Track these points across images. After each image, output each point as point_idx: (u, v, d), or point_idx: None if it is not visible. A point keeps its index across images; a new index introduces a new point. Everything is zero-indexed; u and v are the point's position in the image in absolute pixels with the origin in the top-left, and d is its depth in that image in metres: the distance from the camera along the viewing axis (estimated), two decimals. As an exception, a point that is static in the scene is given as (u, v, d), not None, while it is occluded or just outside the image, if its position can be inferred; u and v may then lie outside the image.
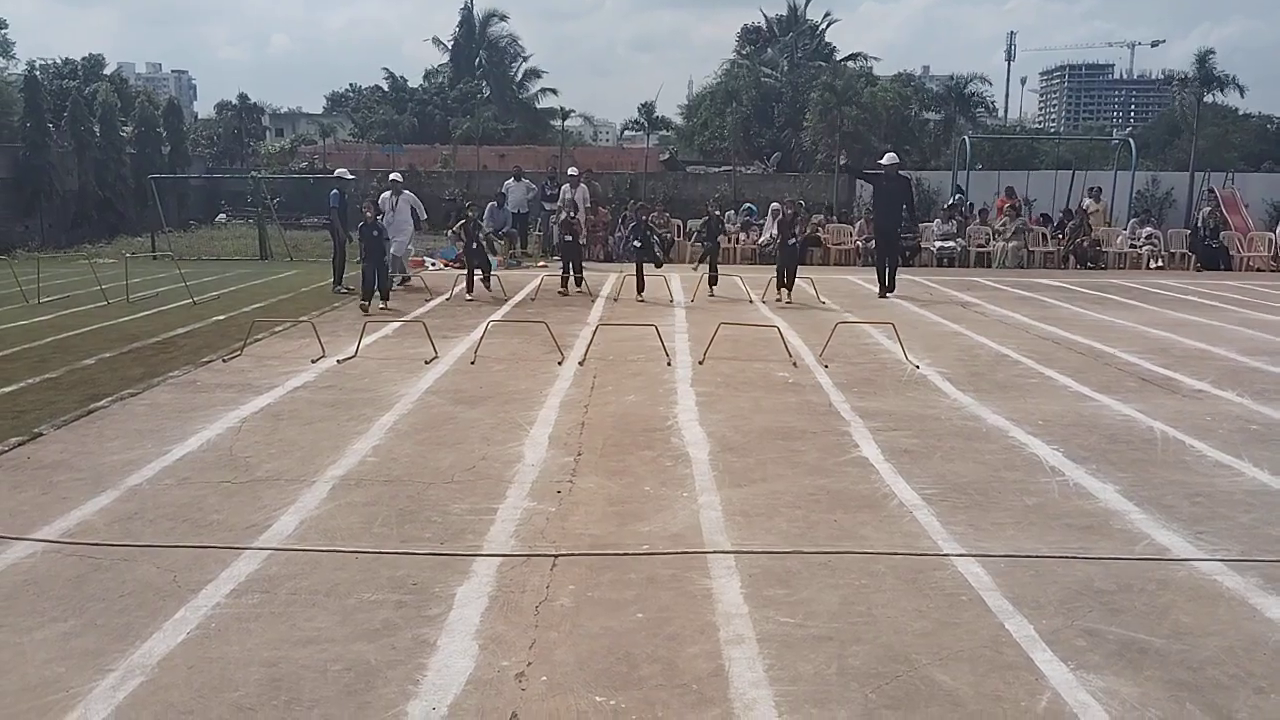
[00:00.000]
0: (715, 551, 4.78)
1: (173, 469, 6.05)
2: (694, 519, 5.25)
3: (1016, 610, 4.14)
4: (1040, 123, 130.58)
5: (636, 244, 14.28)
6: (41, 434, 6.80)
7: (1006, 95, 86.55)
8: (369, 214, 12.85)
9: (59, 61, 43.08)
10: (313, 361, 9.37)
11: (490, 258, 18.97)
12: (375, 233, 12.74)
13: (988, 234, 21.34)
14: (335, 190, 15.27)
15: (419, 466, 6.13)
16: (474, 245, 14.08)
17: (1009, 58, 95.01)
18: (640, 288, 13.96)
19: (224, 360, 9.45)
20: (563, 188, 19.63)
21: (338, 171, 16.34)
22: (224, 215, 31.11)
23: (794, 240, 14.08)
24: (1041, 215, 22.77)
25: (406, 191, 15.56)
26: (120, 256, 18.87)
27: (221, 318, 12.17)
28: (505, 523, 5.16)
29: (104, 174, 30.26)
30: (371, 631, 3.94)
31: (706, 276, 14.74)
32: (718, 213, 15.73)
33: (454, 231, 14.64)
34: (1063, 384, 8.66)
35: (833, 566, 4.61)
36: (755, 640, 3.88)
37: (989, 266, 20.57)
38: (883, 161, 14.76)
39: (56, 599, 4.25)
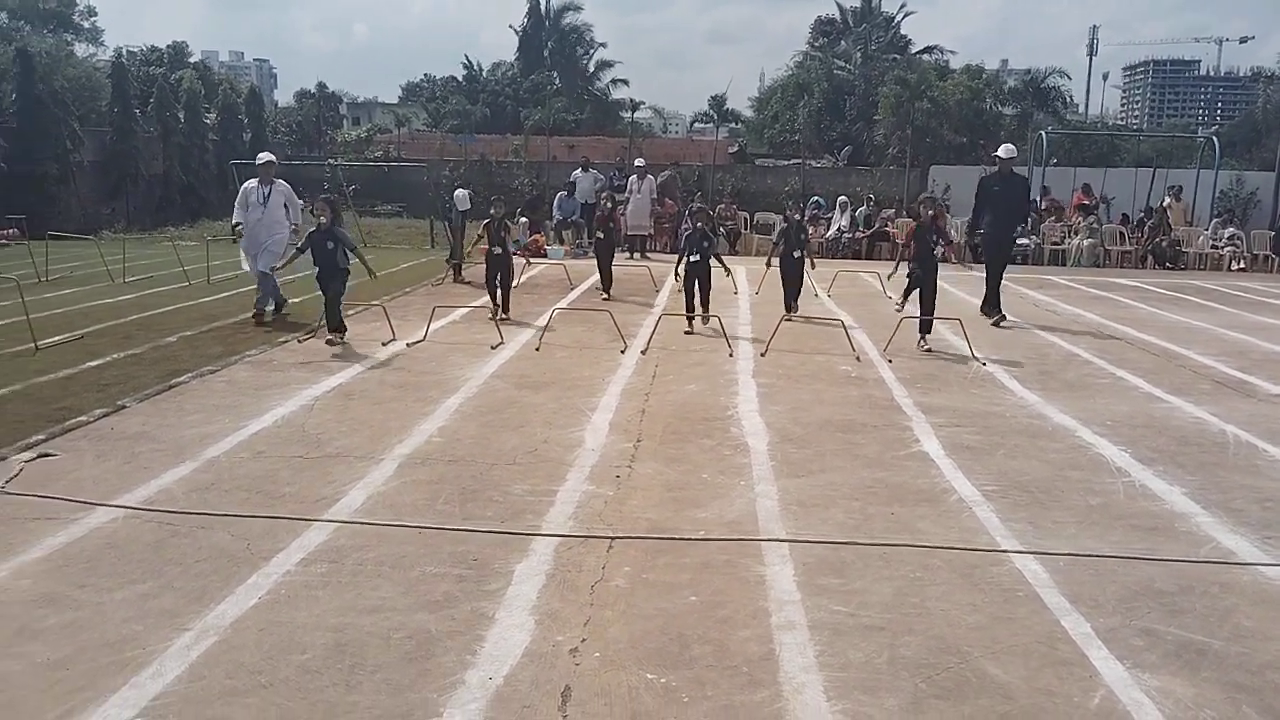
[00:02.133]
0: (770, 539, 4.82)
1: (248, 443, 6.27)
2: (750, 507, 5.29)
3: (1074, 608, 4.12)
4: (1122, 119, 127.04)
5: (692, 257, 10.50)
6: (125, 406, 7.10)
7: (1088, 91, 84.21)
8: (322, 217, 9.32)
9: (145, 49, 44.47)
10: (383, 344, 9.59)
11: (558, 247, 19.17)
12: (330, 244, 9.33)
13: (1063, 232, 20.89)
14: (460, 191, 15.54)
15: (482, 447, 6.26)
16: (497, 250, 11.23)
17: (1091, 52, 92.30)
18: (689, 307, 10.67)
19: (299, 341, 9.73)
20: (630, 179, 19.72)
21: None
22: (301, 201, 31.81)
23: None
24: (1123, 215, 22.21)
25: (281, 181, 11.33)
26: (202, 239, 19.46)
27: (296, 300, 12.50)
28: (564, 504, 5.26)
29: (187, 159, 31.22)
30: (432, 603, 4.07)
31: (785, 297, 11.59)
32: (799, 216, 12.26)
33: (479, 234, 11.62)
34: (1134, 385, 8.49)
35: (888, 558, 4.62)
36: (807, 627, 3.92)
37: (1063, 265, 20.16)
38: (999, 154, 11.98)
39: (136, 562, 4.46)
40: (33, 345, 9.11)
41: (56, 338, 9.62)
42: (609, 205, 13.75)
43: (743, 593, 4.24)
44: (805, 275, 11.84)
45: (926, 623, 3.97)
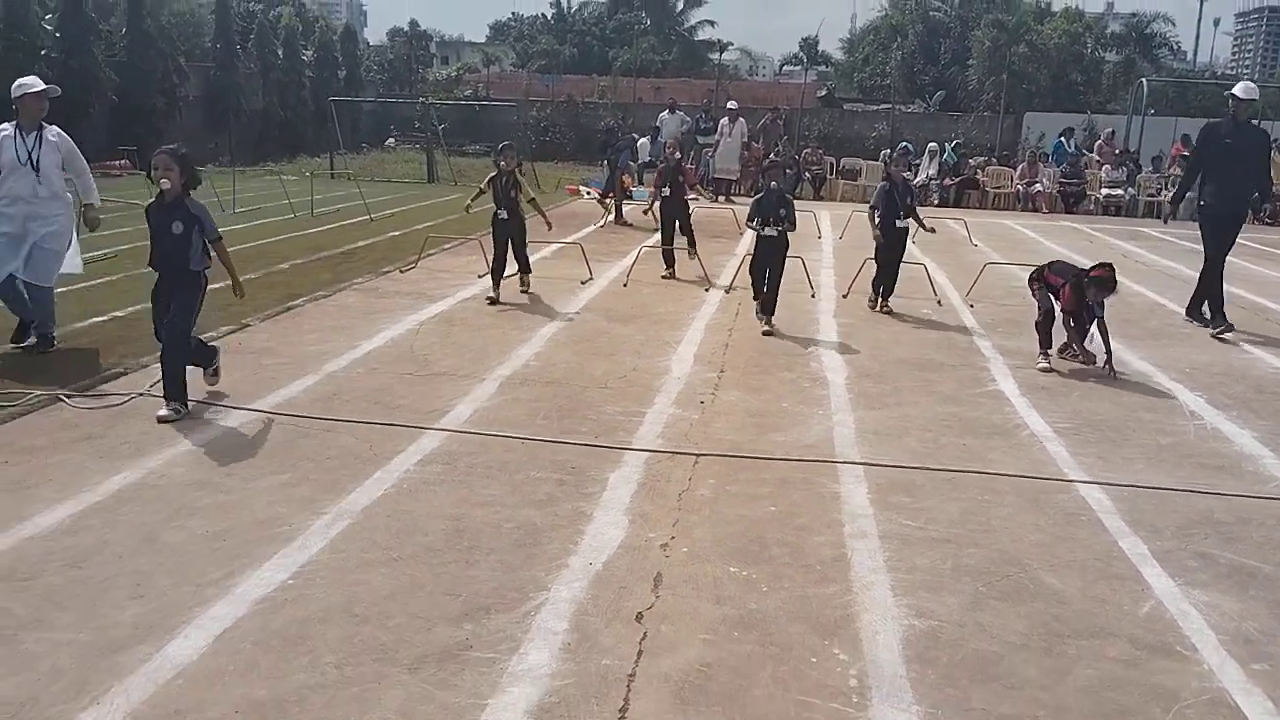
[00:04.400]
0: (846, 461, 5.16)
1: (362, 360, 6.80)
2: (828, 434, 5.63)
3: (1133, 531, 4.39)
4: (1233, 69, 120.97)
5: (766, 230, 8.04)
6: (249, 324, 7.70)
7: (1196, 38, 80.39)
8: (164, 181, 5.62)
9: (245, -15, 45.43)
10: (479, 276, 10.06)
11: (643, 189, 19.43)
12: (178, 226, 5.61)
13: (1160, 183, 20.41)
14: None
15: (576, 372, 6.69)
16: (503, 214, 8.95)
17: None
18: (757, 294, 8.26)
19: (401, 271, 10.27)
20: (720, 121, 19.80)
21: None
22: (393, 140, 32.54)
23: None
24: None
25: (55, 129, 6.86)
26: (301, 174, 20.21)
27: (396, 234, 13.08)
28: (653, 424, 5.66)
29: (286, 96, 32.08)
30: (537, 501, 4.51)
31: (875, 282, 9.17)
32: (905, 173, 9.46)
33: (480, 188, 9.14)
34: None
35: (956, 482, 4.93)
36: (877, 536, 4.27)
37: (1158, 217, 19.71)
38: (1235, 92, 8.81)
39: (273, 457, 5.00)
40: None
41: (179, 262, 10.31)
42: (675, 155, 11.22)
43: (818, 506, 4.60)
44: (932, 285, 9.60)
45: (990, 538, 4.29)
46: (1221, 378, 7.09)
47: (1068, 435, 5.70)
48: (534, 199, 9.30)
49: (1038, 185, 20.24)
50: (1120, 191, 20.02)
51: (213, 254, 5.83)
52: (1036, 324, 7.42)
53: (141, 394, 5.87)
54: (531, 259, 10.47)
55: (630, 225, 14.63)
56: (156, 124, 27.28)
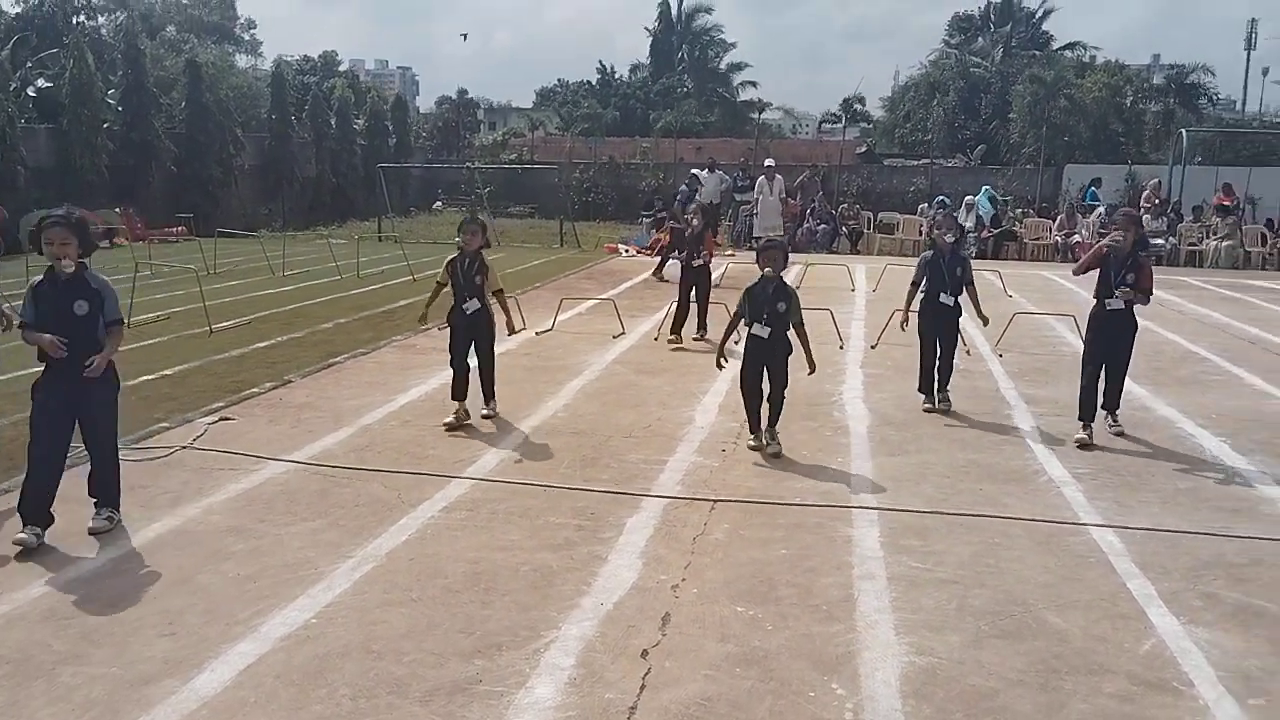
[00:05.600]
0: (860, 506, 5.25)
1: (396, 413, 7.04)
2: (846, 480, 5.72)
3: (1141, 573, 4.42)
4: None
5: (757, 330, 6.21)
6: (291, 381, 8.00)
7: (1245, 86, 79.68)
8: (64, 259, 4.54)
9: (299, 58, 47.22)
10: (514, 333, 10.31)
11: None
12: (81, 305, 4.61)
13: (1200, 232, 20.26)
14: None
15: (602, 422, 6.87)
16: (468, 307, 6.90)
17: (1249, 46, 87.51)
18: (752, 419, 6.35)
19: (439, 328, 10.51)
20: (759, 180, 20.03)
21: None
22: (440, 203, 33.37)
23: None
24: (1268, 220, 21.36)
25: None
26: (350, 237, 20.84)
27: (436, 293, 13.42)
28: (673, 472, 5.80)
29: (338, 163, 33.14)
30: (554, 545, 4.67)
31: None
32: (950, 238, 7.34)
33: (438, 280, 7.12)
34: (1249, 382, 8.48)
35: (969, 526, 4.99)
36: (885, 578, 4.35)
37: (1200, 266, 19.57)
38: None
39: (306, 504, 5.21)
40: (207, 329, 10.20)
41: (228, 322, 10.73)
42: (697, 225, 10.11)
43: (830, 549, 4.69)
44: (960, 335, 7.63)
45: (998, 579, 4.35)
46: (1248, 423, 7.06)
47: (1085, 480, 5.73)
48: (500, 290, 7.06)
49: (1076, 236, 20.20)
50: (1160, 241, 19.88)
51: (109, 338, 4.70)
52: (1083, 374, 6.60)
53: (185, 447, 6.14)
54: (565, 316, 10.66)
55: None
56: (213, 191, 28.33)
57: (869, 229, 22.44)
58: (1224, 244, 19.54)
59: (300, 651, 3.63)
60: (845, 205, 23.37)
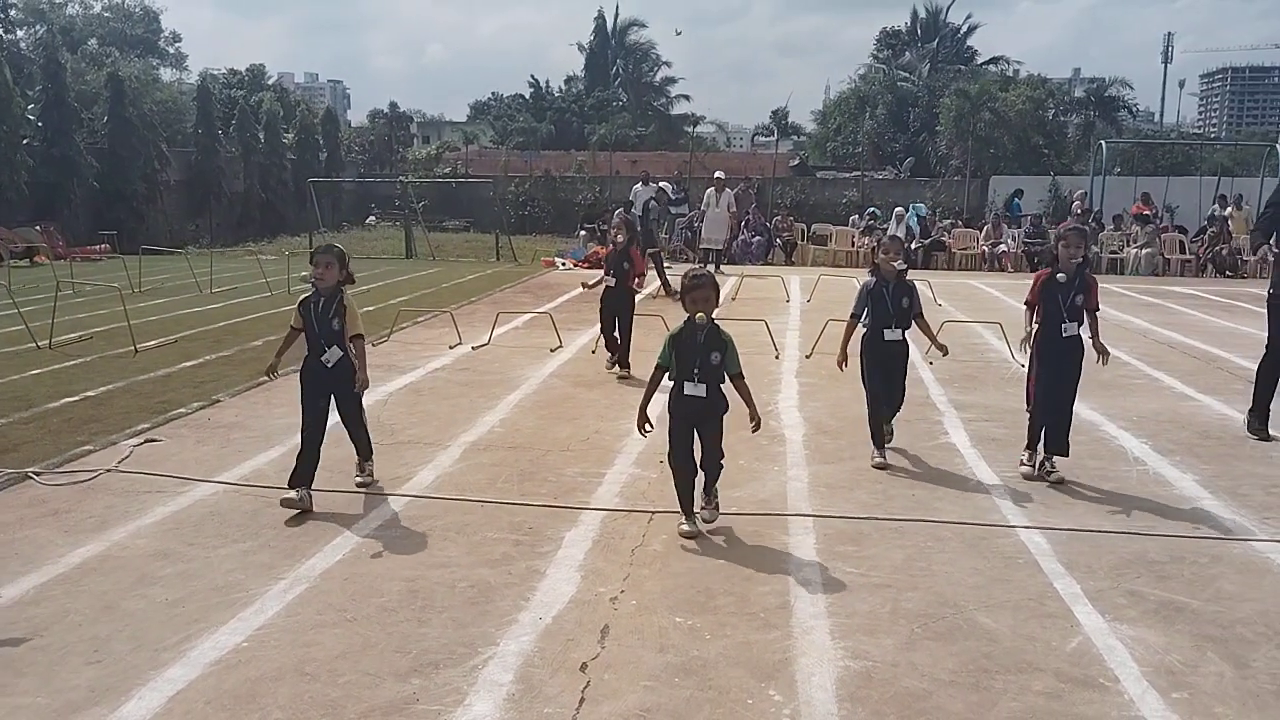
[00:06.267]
0: (796, 514, 5.31)
1: (329, 431, 6.90)
2: (781, 489, 5.78)
3: (1068, 572, 4.53)
4: (1200, 127, 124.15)
5: (689, 387, 5.08)
6: (219, 400, 7.84)
7: (1163, 99, 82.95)
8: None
9: (226, 72, 46.41)
10: (450, 348, 10.26)
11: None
12: None
13: (1121, 241, 20.92)
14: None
15: (539, 436, 6.85)
16: (325, 358, 5.53)
17: (1165, 60, 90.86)
18: (684, 501, 5.10)
19: (372, 344, 10.43)
20: (707, 192, 19.98)
21: None
22: (373, 217, 33.02)
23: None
24: (1178, 226, 22.15)
25: None
26: (281, 253, 20.49)
27: (371, 309, 13.26)
28: (611, 484, 5.81)
29: (267, 178, 32.64)
30: (492, 561, 4.64)
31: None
32: (899, 264, 6.48)
33: (292, 325, 5.61)
34: (1168, 385, 8.76)
35: (902, 531, 5.08)
36: (821, 584, 4.40)
37: (1121, 273, 20.19)
38: None
39: (236, 526, 5.11)
40: (132, 348, 9.95)
41: (153, 341, 10.47)
42: (620, 240, 9.23)
43: (766, 557, 4.73)
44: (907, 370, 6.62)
45: (930, 582, 4.43)
46: (1168, 425, 7.30)
47: (1013, 484, 5.87)
48: (360, 335, 5.59)
49: (1002, 246, 20.72)
50: (1084, 249, 20.47)
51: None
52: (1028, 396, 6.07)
53: (109, 470, 5.98)
54: (502, 330, 10.61)
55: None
56: (138, 207, 27.68)
57: (803, 240, 22.74)
58: (1144, 251, 20.19)
59: (231, 676, 3.55)
60: (779, 217, 23.66)
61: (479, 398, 8.02)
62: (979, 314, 13.07)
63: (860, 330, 6.39)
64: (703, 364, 4.99)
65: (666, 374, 5.08)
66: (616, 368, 9.03)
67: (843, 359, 6.40)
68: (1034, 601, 4.23)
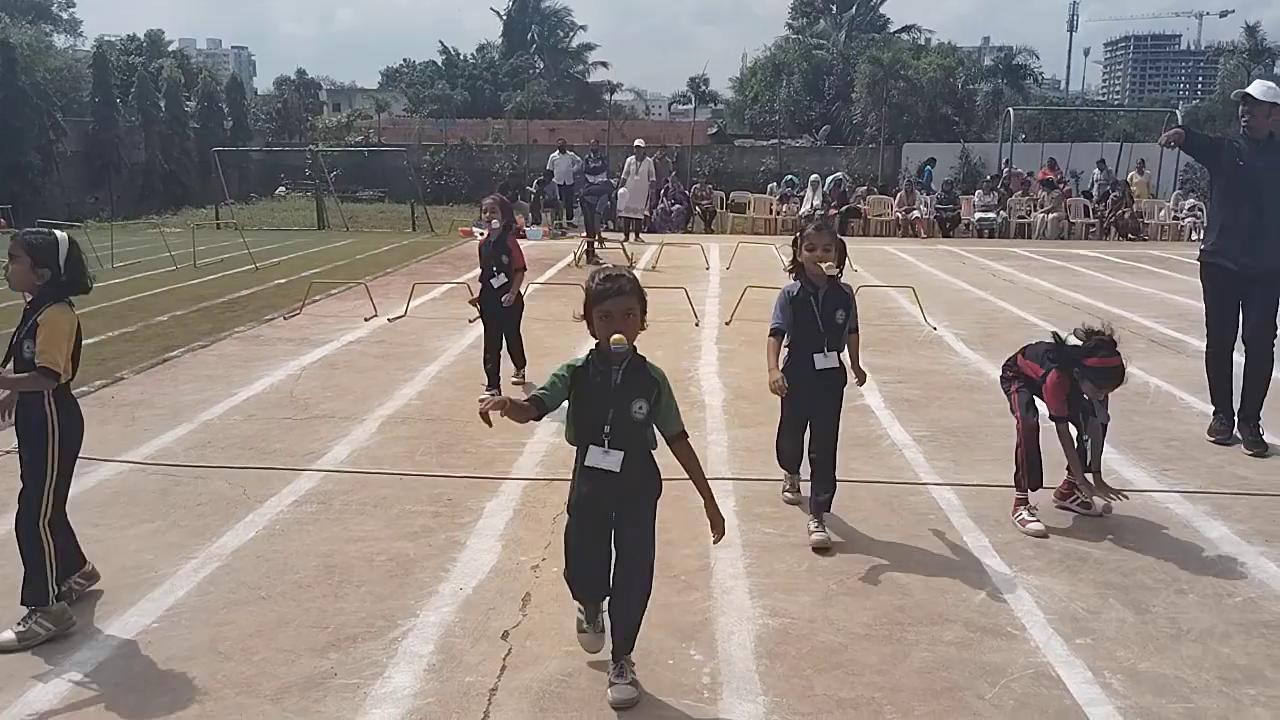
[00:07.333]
0: (716, 477, 5.34)
1: (240, 407, 6.77)
2: (702, 453, 5.78)
3: (977, 526, 4.68)
4: (1104, 95, 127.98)
5: (589, 447, 3.40)
6: (123, 378, 7.58)
7: (1068, 67, 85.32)
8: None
9: (124, 38, 44.53)
10: (365, 320, 10.07)
11: (536, 228, 19.62)
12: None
13: (1028, 205, 21.48)
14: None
15: (458, 408, 6.77)
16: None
17: (1071, 28, 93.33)
18: (585, 595, 3.51)
19: (285, 318, 10.20)
20: (628, 160, 19.83)
21: None
22: (283, 188, 32.16)
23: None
24: (1084, 191, 22.83)
25: None
26: (186, 226, 19.85)
27: (283, 281, 12.96)
28: (532, 454, 5.78)
29: (169, 148, 31.53)
30: (411, 533, 4.59)
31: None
32: (833, 270, 4.65)
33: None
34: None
35: (819, 491, 5.15)
36: (740, 546, 4.46)
37: (1029, 238, 20.75)
38: (1251, 91, 5.87)
39: (144, 506, 4.96)
40: (30, 326, 9.54)
41: (52, 319, 10.04)
42: (496, 227, 7.22)
43: (687, 521, 4.75)
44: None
45: (846, 540, 4.52)
46: (1072, 383, 7.54)
47: (925, 443, 6.02)
48: (48, 368, 3.64)
49: (915, 212, 21.12)
50: (992, 215, 21.00)
51: None
52: (1018, 451, 4.73)
53: (8, 452, 5.74)
54: (419, 301, 10.49)
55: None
56: (33, 180, 26.51)
57: (721, 208, 22.85)
58: (1050, 216, 20.77)
59: (140, 658, 3.46)
60: (698, 185, 23.72)
61: (395, 370, 7.90)
62: (893, 279, 13.30)
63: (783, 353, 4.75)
64: (618, 419, 3.28)
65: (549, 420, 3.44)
66: (500, 393, 6.35)
67: (779, 383, 4.62)
68: (945, 555, 4.35)
